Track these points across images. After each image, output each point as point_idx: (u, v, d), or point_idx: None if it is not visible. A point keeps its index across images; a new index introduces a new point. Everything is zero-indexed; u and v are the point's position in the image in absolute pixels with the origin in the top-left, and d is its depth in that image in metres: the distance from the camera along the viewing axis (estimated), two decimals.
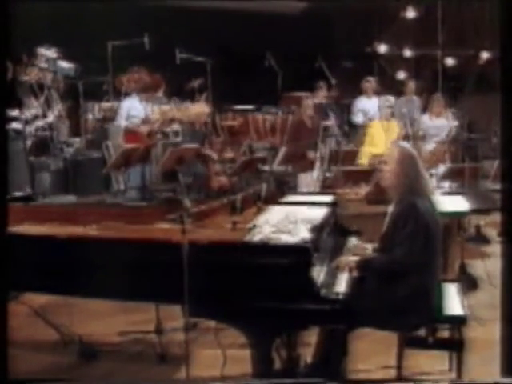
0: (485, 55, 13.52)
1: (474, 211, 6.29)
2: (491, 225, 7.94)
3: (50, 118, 8.43)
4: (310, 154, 8.27)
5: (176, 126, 8.97)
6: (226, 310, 3.45)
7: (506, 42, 3.52)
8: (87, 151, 9.21)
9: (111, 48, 9.72)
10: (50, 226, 4.16)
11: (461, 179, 7.54)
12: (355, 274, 3.76)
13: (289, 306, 3.38)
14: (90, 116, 10.02)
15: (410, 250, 3.66)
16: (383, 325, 3.72)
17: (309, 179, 8.13)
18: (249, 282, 3.41)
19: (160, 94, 8.99)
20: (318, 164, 8.09)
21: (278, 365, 3.77)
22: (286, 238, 3.52)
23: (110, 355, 4.63)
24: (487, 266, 6.40)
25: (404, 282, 3.68)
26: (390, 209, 3.92)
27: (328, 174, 7.85)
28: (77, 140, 9.44)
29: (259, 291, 3.40)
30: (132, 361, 4.57)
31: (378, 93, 10.11)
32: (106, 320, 5.10)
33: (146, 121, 8.26)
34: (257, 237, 3.57)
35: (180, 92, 9.78)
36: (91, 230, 4.09)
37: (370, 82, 10.22)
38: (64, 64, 9.47)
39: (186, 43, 9.65)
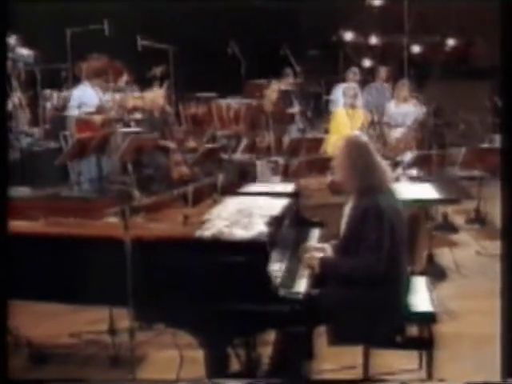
0: (451, 42, 13.57)
1: (443, 201, 6.12)
2: (459, 212, 7.80)
3: (9, 106, 8.18)
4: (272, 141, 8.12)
5: (138, 115, 8.72)
6: (175, 313, 3.17)
7: (506, 31, 3.29)
8: (44, 142, 8.96)
9: (70, 35, 9.41)
10: None
11: (428, 166, 7.41)
12: (317, 271, 3.51)
13: (244, 308, 3.10)
14: (49, 105, 9.75)
15: (378, 257, 3.37)
16: (347, 329, 3.46)
17: (266, 167, 7.93)
18: (200, 281, 3.13)
19: (122, 81, 8.77)
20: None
21: (236, 365, 3.57)
22: (241, 233, 3.25)
23: (60, 358, 4.38)
24: (455, 255, 6.26)
25: (370, 285, 3.41)
26: (348, 207, 3.64)
27: (289, 162, 7.67)
28: (36, 130, 9.20)
29: (211, 292, 3.13)
30: (84, 364, 4.32)
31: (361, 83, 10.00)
32: (56, 320, 4.83)
33: (99, 109, 7.93)
34: (208, 232, 3.28)
35: (142, 80, 9.54)
36: (37, 226, 3.83)
37: (356, 74, 10.04)
38: (23, 51, 9.22)
39: (148, 30, 9.40)
